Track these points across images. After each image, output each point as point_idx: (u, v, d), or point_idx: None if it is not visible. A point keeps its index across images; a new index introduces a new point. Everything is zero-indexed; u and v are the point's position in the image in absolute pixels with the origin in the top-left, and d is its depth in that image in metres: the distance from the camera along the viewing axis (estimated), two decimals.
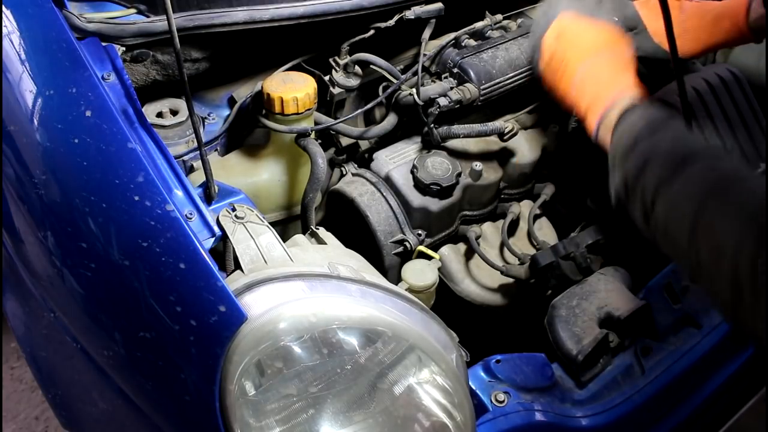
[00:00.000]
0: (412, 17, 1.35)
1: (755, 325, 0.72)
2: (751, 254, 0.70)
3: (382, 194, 1.30)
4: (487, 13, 1.48)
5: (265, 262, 0.93)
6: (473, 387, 1.07)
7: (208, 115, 1.30)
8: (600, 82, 1.02)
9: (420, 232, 1.30)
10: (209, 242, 0.94)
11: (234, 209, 0.99)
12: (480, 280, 1.37)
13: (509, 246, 1.35)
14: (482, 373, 1.10)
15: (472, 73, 1.34)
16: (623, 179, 0.87)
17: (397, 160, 1.34)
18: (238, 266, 0.92)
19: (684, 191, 0.78)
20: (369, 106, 1.31)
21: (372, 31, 1.34)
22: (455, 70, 1.36)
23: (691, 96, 1.30)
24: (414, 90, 1.31)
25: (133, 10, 1.18)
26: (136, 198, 0.90)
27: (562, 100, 1.10)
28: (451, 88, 1.34)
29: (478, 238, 1.38)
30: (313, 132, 1.27)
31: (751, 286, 0.70)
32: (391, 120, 1.38)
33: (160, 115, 1.24)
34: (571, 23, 1.11)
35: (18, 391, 2.08)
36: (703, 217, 0.75)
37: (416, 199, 1.29)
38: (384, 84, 1.36)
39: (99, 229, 0.90)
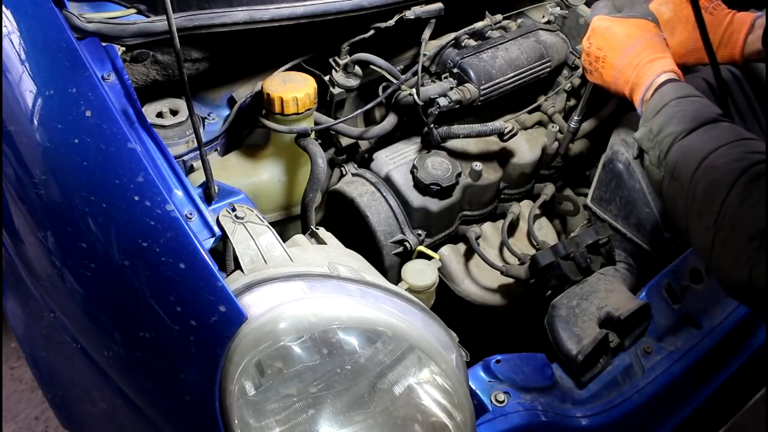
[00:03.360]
0: (412, 17, 1.35)
1: (725, 264, 0.87)
2: (740, 193, 0.86)
3: (382, 194, 1.30)
4: (487, 13, 1.48)
5: (265, 262, 0.93)
6: (473, 387, 1.07)
7: (208, 115, 1.30)
8: (639, 68, 1.15)
9: (420, 232, 1.30)
10: (209, 242, 0.94)
11: (234, 209, 0.99)
12: (480, 281, 1.37)
13: (509, 246, 1.35)
14: (482, 373, 1.10)
15: (472, 73, 1.34)
16: (648, 130, 1.05)
17: (397, 160, 1.34)
18: (238, 266, 0.92)
19: (698, 141, 0.97)
20: (369, 106, 1.31)
21: (372, 31, 1.34)
22: (455, 70, 1.36)
23: None
24: (414, 90, 1.31)
25: (133, 10, 1.18)
26: (136, 198, 0.90)
27: (609, 89, 1.24)
28: (451, 88, 1.34)
29: (478, 238, 1.38)
30: (313, 132, 1.27)
31: (734, 219, 0.86)
32: (391, 120, 1.38)
33: (160, 115, 1.24)
34: (603, 21, 1.23)
35: (18, 391, 2.08)
36: (707, 159, 0.93)
37: (416, 199, 1.29)
38: (384, 84, 1.36)
39: (99, 229, 0.90)
